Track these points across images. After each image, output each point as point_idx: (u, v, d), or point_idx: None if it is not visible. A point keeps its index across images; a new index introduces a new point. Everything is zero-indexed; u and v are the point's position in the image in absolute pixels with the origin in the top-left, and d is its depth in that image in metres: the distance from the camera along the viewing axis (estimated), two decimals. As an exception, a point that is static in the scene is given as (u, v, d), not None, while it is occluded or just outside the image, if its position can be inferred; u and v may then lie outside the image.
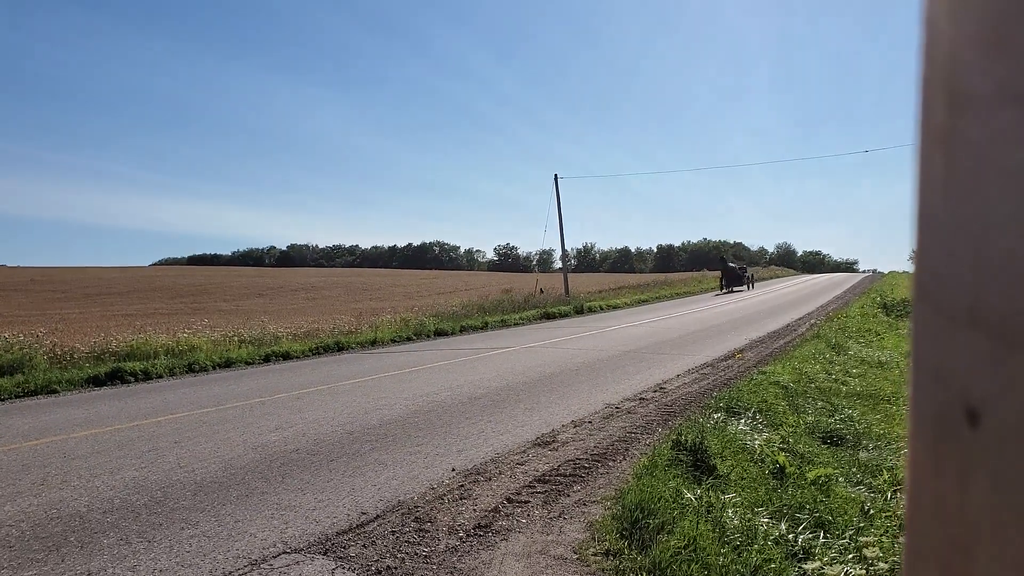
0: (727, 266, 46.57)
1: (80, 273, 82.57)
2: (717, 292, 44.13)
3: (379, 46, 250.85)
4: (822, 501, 5.15)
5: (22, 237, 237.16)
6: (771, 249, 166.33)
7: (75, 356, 13.40)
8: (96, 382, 12.09)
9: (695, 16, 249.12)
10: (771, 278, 74.17)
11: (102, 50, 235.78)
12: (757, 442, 6.67)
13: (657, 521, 4.52)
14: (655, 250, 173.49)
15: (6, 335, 13.66)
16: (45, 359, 12.89)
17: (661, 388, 10.38)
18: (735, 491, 5.20)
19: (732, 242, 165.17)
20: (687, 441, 6.11)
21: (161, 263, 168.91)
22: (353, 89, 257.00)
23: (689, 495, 4.93)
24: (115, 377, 12.37)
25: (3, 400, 10.57)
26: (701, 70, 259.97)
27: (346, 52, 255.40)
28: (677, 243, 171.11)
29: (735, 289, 45.05)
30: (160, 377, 12.91)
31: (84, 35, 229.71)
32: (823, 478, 5.70)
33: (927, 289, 0.47)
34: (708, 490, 5.10)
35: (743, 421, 7.54)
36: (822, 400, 9.24)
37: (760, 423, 7.58)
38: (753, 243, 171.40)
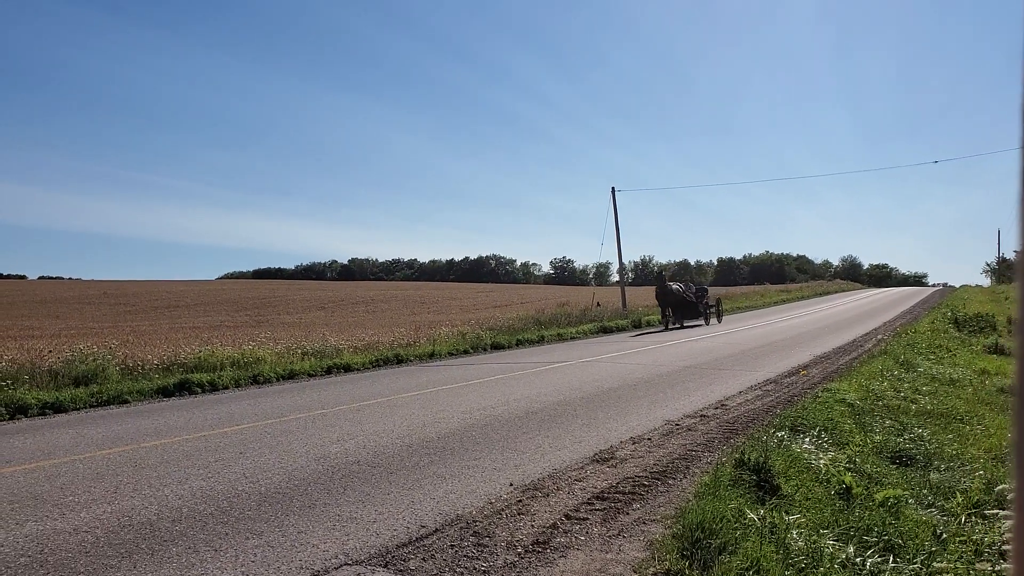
0: (665, 287, 29.79)
1: (150, 286, 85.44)
2: (659, 328, 29.41)
3: (440, 63, 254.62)
4: (891, 524, 4.99)
5: (96, 252, 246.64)
6: (836, 262, 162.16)
7: (145, 367, 13.83)
8: (165, 393, 12.46)
9: (755, 25, 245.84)
10: (836, 292, 72.39)
11: (172, 70, 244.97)
12: (822, 461, 6.51)
13: (719, 541, 4.44)
14: (715, 263, 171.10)
15: (81, 346, 14.20)
16: (117, 370, 13.33)
17: (722, 405, 10.22)
18: (800, 512, 5.08)
19: (795, 255, 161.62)
20: (750, 460, 5.99)
21: (227, 277, 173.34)
22: (413, 106, 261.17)
23: (752, 515, 4.83)
24: (183, 388, 12.74)
25: (79, 409, 10.96)
26: (762, 80, 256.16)
27: (407, 70, 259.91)
28: (738, 256, 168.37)
29: (687, 324, 29.83)
30: (226, 389, 13.24)
31: (154, 54, 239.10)
32: (892, 500, 5.53)
33: None
34: (772, 510, 4.99)
35: (808, 440, 7.36)
36: (890, 419, 8.97)
37: (825, 442, 7.39)
38: (817, 256, 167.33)
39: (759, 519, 4.78)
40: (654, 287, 31.84)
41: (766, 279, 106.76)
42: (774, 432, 7.62)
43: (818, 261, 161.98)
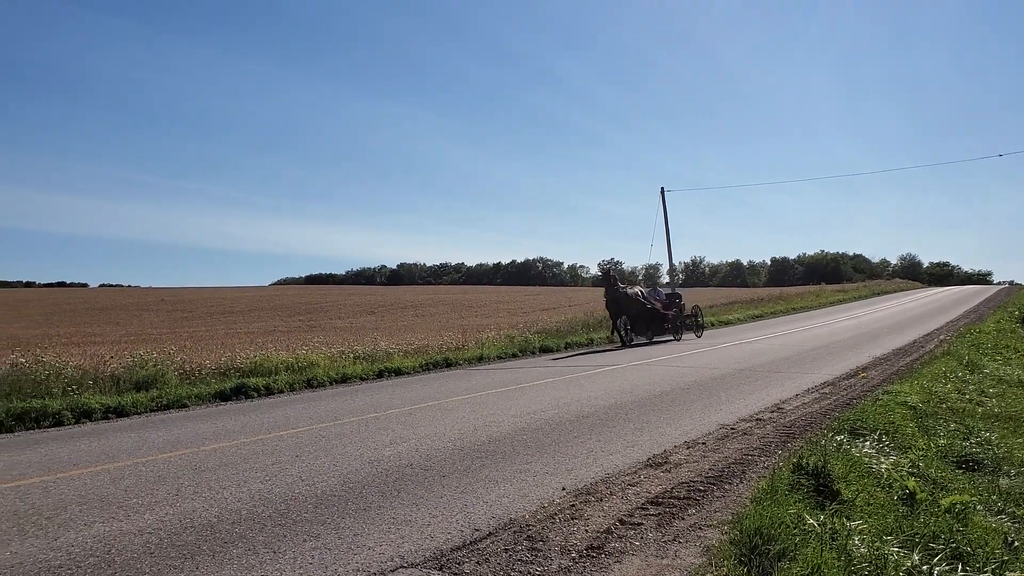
0: (616, 292, 23.55)
1: (206, 293, 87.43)
2: (611, 344, 23.40)
3: (483, 68, 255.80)
4: (959, 531, 4.84)
5: (153, 260, 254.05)
6: (894, 261, 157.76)
7: (203, 372, 14.15)
8: (222, 397, 12.73)
9: (805, 22, 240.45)
10: (895, 291, 70.62)
11: (224, 81, 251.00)
12: (884, 466, 6.35)
13: (778, 547, 4.35)
14: (768, 263, 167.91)
15: (141, 352, 14.58)
16: (176, 375, 13.66)
17: (779, 408, 10.04)
18: (861, 517, 4.95)
19: (852, 254, 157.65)
20: (809, 464, 5.87)
21: (280, 283, 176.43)
22: (459, 111, 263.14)
23: (812, 521, 4.72)
24: (240, 392, 13.01)
25: (140, 414, 11.27)
26: (813, 75, 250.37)
27: (452, 76, 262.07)
28: (792, 255, 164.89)
29: (656, 339, 24.33)
30: (281, 392, 13.48)
31: (206, 66, 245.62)
32: (959, 506, 5.36)
33: None
34: (832, 516, 4.87)
35: (868, 443, 7.19)
36: (955, 422, 8.71)
37: (887, 446, 7.20)
38: (874, 255, 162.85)
39: (819, 525, 4.67)
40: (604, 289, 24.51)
41: (821, 279, 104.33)
42: (832, 436, 7.45)
43: (875, 260, 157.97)
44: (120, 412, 11.17)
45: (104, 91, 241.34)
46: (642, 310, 23.84)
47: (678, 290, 29.00)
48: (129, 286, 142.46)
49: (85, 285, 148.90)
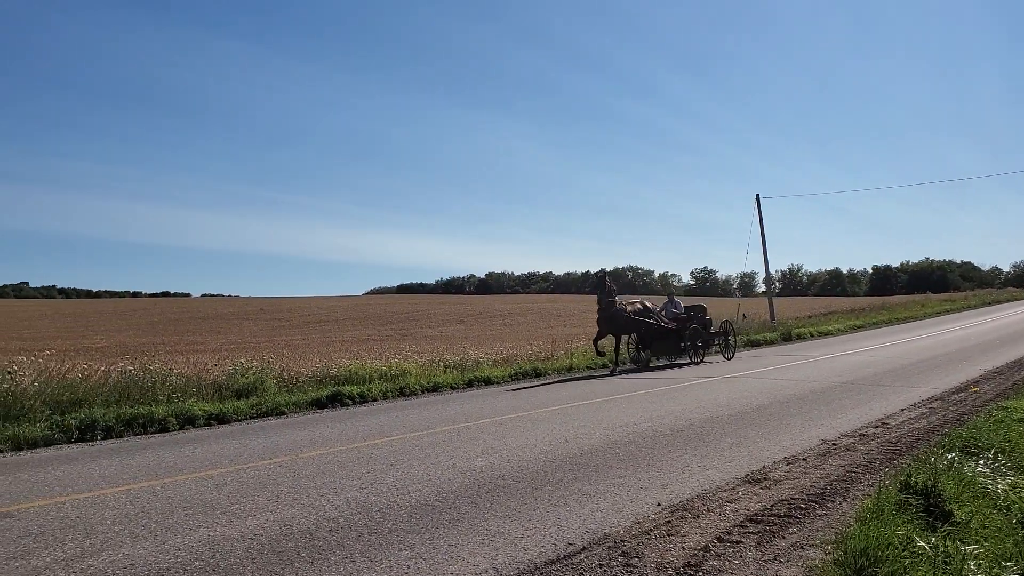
0: (612, 307, 18.95)
1: (302, 302, 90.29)
2: (611, 369, 18.87)
3: (571, 75, 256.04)
4: (1089, 560, 4.48)
5: (252, 270, 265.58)
6: (1006, 268, 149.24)
7: (300, 380, 14.57)
8: (318, 405, 13.08)
9: (908, 19, 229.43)
10: (1008, 300, 66.64)
11: (319, 98, 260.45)
12: (1000, 487, 5.97)
13: (886, 570, 4.14)
14: (870, 271, 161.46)
15: (242, 360, 15.14)
16: (275, 383, 14.10)
17: (883, 423, 9.60)
18: (976, 541, 4.66)
19: (959, 262, 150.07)
20: (917, 483, 5.58)
21: (373, 292, 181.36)
22: (547, 120, 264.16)
23: (922, 543, 4.47)
24: (335, 400, 13.33)
25: (240, 421, 11.67)
26: (917, 76, 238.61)
27: (541, 85, 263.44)
28: (895, 263, 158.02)
29: (673, 359, 20.63)
30: (375, 400, 13.76)
31: (303, 84, 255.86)
32: (1089, 533, 4.97)
33: None
34: (944, 538, 4.60)
35: (982, 462, 6.77)
36: (1081, 441, 8.10)
37: (1003, 465, 6.77)
38: (984, 262, 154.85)
39: (930, 547, 4.41)
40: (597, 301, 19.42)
41: (927, 288, 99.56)
42: (943, 453, 7.05)
43: (986, 268, 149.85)
44: (222, 419, 11.57)
45: (215, 108, 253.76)
46: (646, 329, 20.09)
47: (702, 303, 24.62)
48: (229, 295, 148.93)
49: (188, 295, 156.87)
